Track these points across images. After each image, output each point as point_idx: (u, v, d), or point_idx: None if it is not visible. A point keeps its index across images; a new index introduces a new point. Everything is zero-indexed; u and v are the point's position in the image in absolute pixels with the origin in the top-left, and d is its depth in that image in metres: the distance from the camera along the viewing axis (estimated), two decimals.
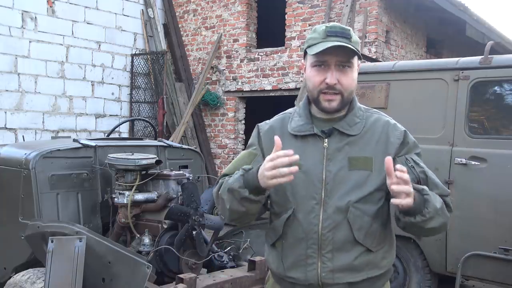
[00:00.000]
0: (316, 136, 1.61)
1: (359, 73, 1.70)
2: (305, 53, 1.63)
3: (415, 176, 1.56)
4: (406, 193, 1.39)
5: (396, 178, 1.38)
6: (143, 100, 8.98)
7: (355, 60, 1.59)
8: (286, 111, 1.78)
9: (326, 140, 1.60)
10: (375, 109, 1.73)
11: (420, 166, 1.59)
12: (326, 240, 1.55)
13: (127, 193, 2.96)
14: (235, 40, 8.69)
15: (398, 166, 1.40)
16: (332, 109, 1.59)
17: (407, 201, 1.39)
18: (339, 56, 1.55)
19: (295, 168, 1.41)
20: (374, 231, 1.57)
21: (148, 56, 8.94)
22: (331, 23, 1.62)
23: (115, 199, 2.99)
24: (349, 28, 1.60)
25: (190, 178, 3.15)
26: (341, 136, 1.60)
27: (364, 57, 5.38)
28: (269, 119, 1.82)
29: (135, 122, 8.73)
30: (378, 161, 1.56)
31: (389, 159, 1.40)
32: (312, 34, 1.60)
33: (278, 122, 1.73)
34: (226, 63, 8.80)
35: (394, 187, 1.39)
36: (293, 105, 4.99)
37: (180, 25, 9.51)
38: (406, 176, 1.38)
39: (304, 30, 7.78)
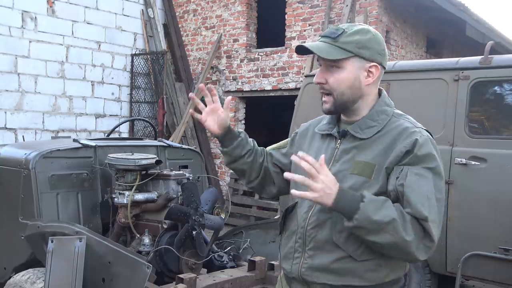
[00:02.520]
0: (333, 136, 1.66)
1: None
2: None
3: (393, 188, 1.48)
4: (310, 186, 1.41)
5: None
6: (143, 100, 8.98)
7: (349, 62, 1.55)
8: None
9: (339, 141, 1.63)
10: (409, 116, 1.63)
11: (406, 179, 1.45)
12: (309, 237, 1.58)
13: (127, 193, 2.96)
14: (235, 40, 8.69)
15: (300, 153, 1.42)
16: (326, 111, 1.63)
17: (309, 195, 1.41)
18: (320, 55, 1.57)
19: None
20: (358, 239, 1.49)
21: (148, 56, 8.94)
22: (330, 27, 1.65)
23: (115, 199, 2.99)
24: (343, 29, 1.56)
25: (190, 178, 3.15)
26: (352, 139, 1.60)
27: None
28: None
29: (135, 122, 8.73)
30: (381, 169, 1.52)
31: (294, 157, 1.43)
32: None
33: (316, 121, 1.82)
34: (226, 63, 8.80)
35: (287, 175, 1.44)
36: (293, 105, 5.00)
37: (180, 25, 9.51)
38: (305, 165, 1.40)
39: (304, 30, 7.78)
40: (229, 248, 3.20)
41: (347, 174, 1.55)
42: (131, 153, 3.08)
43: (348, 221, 1.44)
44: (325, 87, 1.59)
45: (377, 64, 1.59)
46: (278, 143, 1.91)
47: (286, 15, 8.04)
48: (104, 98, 8.65)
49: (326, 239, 1.55)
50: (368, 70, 1.58)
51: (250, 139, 1.83)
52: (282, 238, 1.74)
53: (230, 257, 3.11)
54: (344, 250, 1.52)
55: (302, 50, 1.60)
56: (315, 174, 1.39)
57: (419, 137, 1.51)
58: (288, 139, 1.89)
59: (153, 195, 3.03)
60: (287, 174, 1.44)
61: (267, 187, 1.87)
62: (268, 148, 1.90)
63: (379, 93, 1.65)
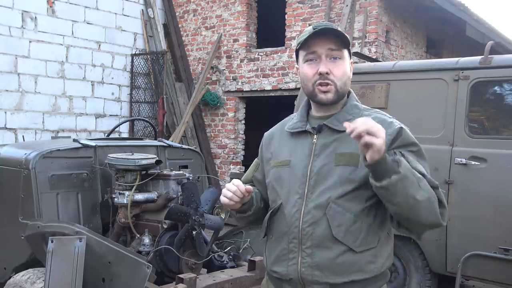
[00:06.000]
0: (307, 132, 1.66)
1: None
2: (297, 55, 1.69)
3: None
4: (367, 141, 1.32)
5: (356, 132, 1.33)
6: (143, 100, 8.98)
7: (346, 53, 1.63)
8: (291, 115, 1.86)
9: (315, 136, 1.63)
10: (378, 109, 1.71)
11: (405, 157, 1.50)
12: (306, 235, 1.56)
13: (127, 193, 2.96)
14: (235, 40, 8.69)
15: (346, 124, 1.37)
16: (328, 101, 1.62)
17: (372, 141, 1.31)
18: (327, 42, 1.58)
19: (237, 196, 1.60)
20: (356, 230, 1.53)
21: (148, 56, 8.94)
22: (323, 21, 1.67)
23: (115, 199, 2.99)
24: (335, 25, 1.64)
25: (190, 178, 3.15)
26: (330, 132, 1.62)
27: (364, 57, 5.39)
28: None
29: (135, 122, 8.73)
30: None
31: (347, 124, 1.37)
32: (301, 35, 1.66)
33: (279, 125, 1.83)
34: (226, 63, 8.80)
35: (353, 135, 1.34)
36: (293, 105, 5.01)
37: (180, 25, 9.51)
38: (355, 123, 1.34)
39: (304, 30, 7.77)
40: (229, 248, 3.20)
41: (332, 167, 1.56)
42: (131, 153, 3.08)
43: (390, 177, 1.37)
44: (330, 78, 1.59)
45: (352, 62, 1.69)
46: (250, 169, 1.88)
47: (286, 15, 8.05)
48: (104, 98, 8.65)
49: (324, 235, 1.54)
50: (350, 66, 1.67)
51: (254, 193, 1.77)
52: (268, 242, 1.72)
53: (230, 257, 3.11)
54: (344, 243, 1.52)
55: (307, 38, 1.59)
56: (376, 130, 1.32)
57: (399, 125, 1.59)
58: (256, 159, 1.89)
59: (153, 195, 3.03)
60: (346, 126, 1.36)
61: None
62: (246, 177, 1.88)
63: None
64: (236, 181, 1.61)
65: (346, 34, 1.63)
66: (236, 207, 1.66)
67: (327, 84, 1.60)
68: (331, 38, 1.59)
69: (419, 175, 1.45)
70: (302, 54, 1.65)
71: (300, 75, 1.69)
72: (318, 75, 1.60)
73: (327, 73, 1.58)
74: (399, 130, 1.57)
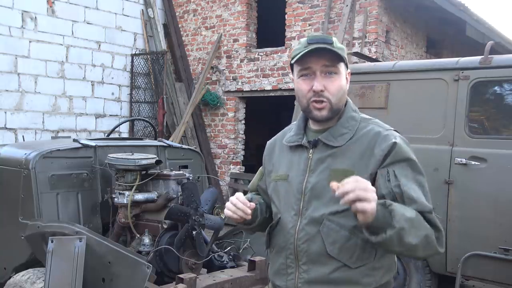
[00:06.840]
0: (304, 146, 1.63)
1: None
2: (292, 67, 1.65)
3: (389, 192, 1.47)
4: (358, 200, 1.29)
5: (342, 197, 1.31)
6: (143, 100, 8.98)
7: (342, 67, 1.58)
8: (291, 124, 1.83)
9: (311, 150, 1.61)
10: (376, 120, 1.65)
11: (397, 180, 1.47)
12: (301, 252, 1.56)
13: (127, 193, 2.96)
14: (235, 40, 8.69)
15: (333, 184, 1.32)
16: (322, 118, 1.59)
17: (363, 207, 1.29)
18: (321, 59, 1.54)
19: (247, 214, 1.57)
20: (351, 247, 1.51)
21: (148, 56, 8.95)
22: (314, 33, 1.63)
23: (115, 199, 3.00)
24: (331, 36, 1.59)
25: (190, 178, 3.16)
26: (325, 147, 1.59)
27: (364, 57, 5.39)
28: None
29: (135, 122, 8.73)
30: (360, 175, 1.45)
31: (335, 186, 1.32)
32: (296, 47, 1.61)
33: (280, 135, 1.81)
34: (226, 63, 8.80)
35: (342, 202, 1.31)
36: (293, 105, 5.00)
37: (180, 25, 9.51)
38: (343, 188, 1.30)
39: (304, 30, 7.78)
40: (229, 248, 3.20)
41: (326, 185, 1.50)
42: (131, 153, 3.08)
43: (385, 232, 1.36)
44: (324, 94, 1.56)
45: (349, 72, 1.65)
46: (255, 178, 1.89)
47: (286, 15, 8.05)
48: (104, 98, 8.65)
49: (319, 251, 1.53)
50: (346, 77, 1.63)
51: (258, 204, 1.77)
52: (270, 254, 1.72)
53: (230, 257, 3.11)
54: (339, 260, 1.51)
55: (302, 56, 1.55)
56: (366, 196, 1.30)
57: (394, 139, 1.53)
58: (260, 168, 1.88)
59: (153, 195, 3.03)
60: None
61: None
62: (252, 185, 1.89)
63: None
64: (239, 196, 1.59)
65: (342, 47, 1.58)
66: (240, 221, 1.64)
67: (321, 102, 1.56)
68: (326, 54, 1.54)
69: (413, 213, 1.41)
70: (296, 68, 1.62)
71: (295, 90, 1.66)
72: (312, 92, 1.56)
73: (321, 90, 1.55)
74: (392, 145, 1.51)
